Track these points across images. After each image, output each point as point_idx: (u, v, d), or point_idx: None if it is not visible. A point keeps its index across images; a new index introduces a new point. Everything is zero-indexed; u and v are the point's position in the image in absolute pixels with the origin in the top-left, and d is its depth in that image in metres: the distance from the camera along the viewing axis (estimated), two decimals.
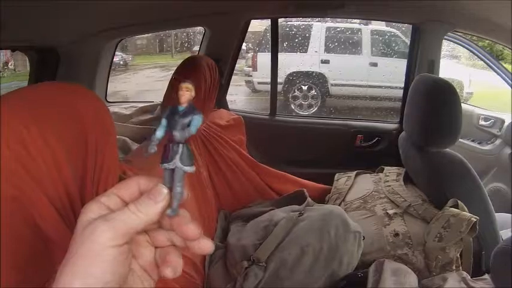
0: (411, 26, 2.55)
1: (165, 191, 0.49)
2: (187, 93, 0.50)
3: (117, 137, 1.97)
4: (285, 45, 6.72)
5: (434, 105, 1.82)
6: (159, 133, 0.51)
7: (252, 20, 2.54)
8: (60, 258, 0.47)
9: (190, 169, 0.51)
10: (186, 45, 8.78)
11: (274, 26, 2.62)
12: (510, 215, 2.19)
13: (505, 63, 3.73)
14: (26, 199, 0.59)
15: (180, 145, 0.50)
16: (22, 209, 0.59)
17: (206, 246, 0.51)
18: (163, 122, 0.51)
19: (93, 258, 0.45)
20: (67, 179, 0.64)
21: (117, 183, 0.52)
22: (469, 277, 1.49)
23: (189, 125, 0.50)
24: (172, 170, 0.51)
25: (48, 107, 0.65)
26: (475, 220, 1.57)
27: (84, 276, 0.45)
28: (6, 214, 0.57)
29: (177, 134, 0.50)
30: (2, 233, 0.57)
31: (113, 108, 2.55)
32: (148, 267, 0.53)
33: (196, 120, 0.50)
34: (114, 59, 2.63)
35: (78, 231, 0.47)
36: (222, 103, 2.49)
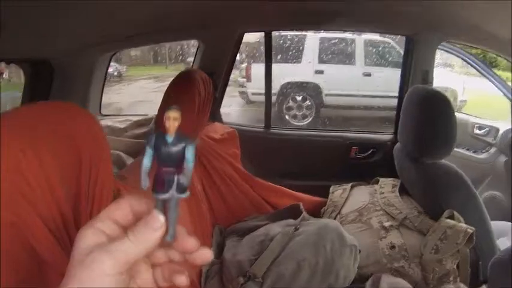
0: (405, 36, 2.56)
1: (162, 219, 0.49)
2: (175, 123, 0.48)
3: (112, 151, 1.96)
4: (278, 57, 6.74)
5: (428, 116, 1.82)
6: (147, 163, 0.49)
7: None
8: (53, 280, 0.47)
9: (186, 195, 0.50)
10: (180, 57, 8.81)
11: (268, 39, 2.62)
12: (505, 222, 2.18)
13: (498, 70, 3.74)
14: (22, 223, 0.60)
15: (175, 176, 0.49)
16: (19, 234, 0.60)
17: (206, 255, 0.52)
18: (149, 152, 0.49)
19: (94, 286, 0.46)
20: (60, 199, 0.65)
21: (109, 205, 0.52)
22: None
23: (182, 155, 0.49)
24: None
25: (43, 127, 0.66)
26: (472, 231, 1.56)
27: None
28: (5, 241, 0.58)
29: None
30: (2, 259, 0.57)
31: (107, 122, 2.53)
32: (145, 286, 0.53)
33: (191, 153, 0.49)
34: (108, 70, 2.63)
35: (75, 258, 0.47)
36: (216, 116, 2.48)
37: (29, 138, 0.62)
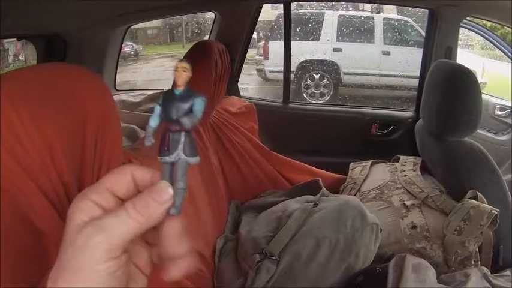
0: (427, 11, 2.46)
1: (171, 190, 0.43)
2: (184, 73, 0.43)
3: (126, 125, 1.93)
4: (296, 35, 6.64)
5: (453, 92, 1.76)
6: (154, 122, 0.45)
7: (263, 6, 2.48)
8: (53, 255, 0.42)
9: (195, 160, 0.45)
10: (197, 33, 8.79)
11: (287, 11, 2.55)
12: None
13: None
14: (16, 190, 0.55)
15: (182, 133, 0.44)
16: (12, 203, 0.55)
17: (182, 268, 0.44)
18: (157, 109, 0.45)
19: (89, 273, 0.39)
20: (61, 166, 0.59)
21: (108, 174, 0.46)
22: (489, 273, 1.43)
23: (191, 110, 0.44)
24: (173, 163, 0.45)
25: (43, 89, 0.61)
26: (496, 213, 1.50)
27: None
28: None
29: (186, 121, 0.44)
30: None
31: (122, 97, 2.52)
32: (142, 265, 0.47)
33: (199, 104, 0.44)
34: (125, 49, 2.60)
35: (68, 234, 0.41)
36: (233, 90, 2.42)
37: (25, 99, 0.57)
